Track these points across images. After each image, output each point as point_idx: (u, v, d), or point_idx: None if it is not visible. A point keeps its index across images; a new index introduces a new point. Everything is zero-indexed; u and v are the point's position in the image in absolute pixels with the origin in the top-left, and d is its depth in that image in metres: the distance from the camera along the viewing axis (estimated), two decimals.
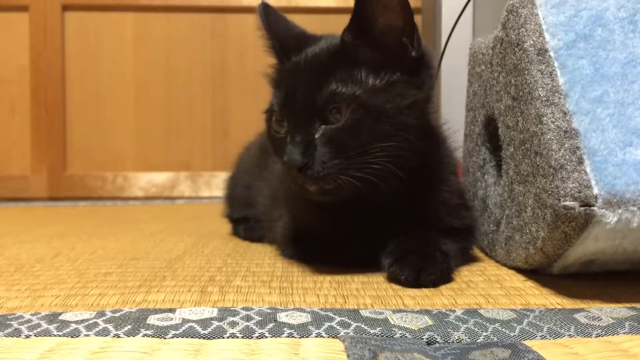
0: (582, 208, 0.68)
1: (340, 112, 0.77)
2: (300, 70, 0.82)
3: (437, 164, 0.90)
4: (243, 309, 0.64)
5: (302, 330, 0.58)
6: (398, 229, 0.83)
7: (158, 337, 0.56)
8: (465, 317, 0.62)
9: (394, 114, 0.78)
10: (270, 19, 0.89)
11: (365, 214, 0.85)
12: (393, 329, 0.58)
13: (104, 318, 0.61)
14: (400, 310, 0.65)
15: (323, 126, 0.78)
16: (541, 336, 0.58)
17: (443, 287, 0.77)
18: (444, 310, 0.64)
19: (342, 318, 0.61)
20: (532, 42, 0.78)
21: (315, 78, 0.79)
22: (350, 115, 0.77)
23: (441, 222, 0.87)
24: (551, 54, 0.76)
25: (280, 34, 0.88)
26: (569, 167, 0.69)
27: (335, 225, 0.87)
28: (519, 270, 0.86)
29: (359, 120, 0.77)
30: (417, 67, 0.82)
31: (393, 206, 0.84)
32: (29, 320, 0.61)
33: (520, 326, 0.60)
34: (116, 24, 2.51)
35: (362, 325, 0.59)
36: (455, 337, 0.57)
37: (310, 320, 0.60)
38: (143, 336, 0.56)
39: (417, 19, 2.17)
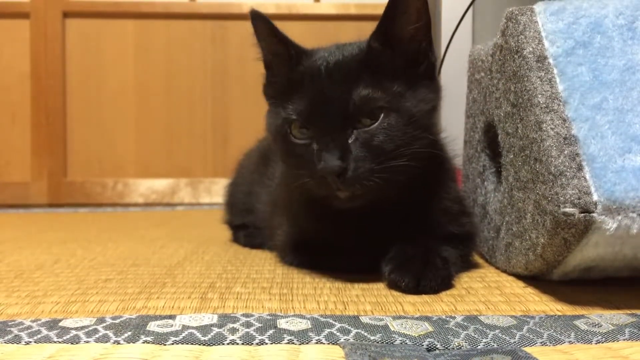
0: (582, 214, 0.68)
1: (373, 116, 0.78)
2: (323, 76, 0.81)
3: (438, 170, 0.90)
4: (243, 315, 0.64)
5: (302, 337, 0.58)
6: (398, 235, 0.84)
7: (158, 343, 0.56)
8: (466, 323, 0.62)
9: (420, 118, 0.80)
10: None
11: (366, 221, 0.85)
12: (393, 335, 0.58)
13: (104, 324, 0.61)
14: (400, 317, 0.65)
15: (356, 131, 0.78)
16: (541, 343, 0.57)
17: (443, 294, 0.77)
18: (444, 317, 0.64)
19: (342, 324, 0.61)
20: (531, 49, 0.78)
21: (344, 84, 0.79)
22: (383, 120, 0.77)
23: (441, 229, 0.87)
24: (550, 61, 0.77)
25: (289, 40, 0.86)
26: (568, 174, 0.69)
27: (337, 232, 0.87)
28: (519, 276, 0.86)
29: (390, 125, 0.77)
30: (432, 72, 0.84)
31: (394, 213, 0.85)
32: (29, 327, 0.61)
33: (521, 333, 0.60)
34: (117, 31, 2.52)
35: (362, 332, 0.59)
36: (455, 343, 0.57)
37: (310, 326, 0.60)
38: (143, 343, 0.56)
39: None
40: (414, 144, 0.78)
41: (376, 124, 0.77)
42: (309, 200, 0.87)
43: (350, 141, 0.77)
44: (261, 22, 0.86)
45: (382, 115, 0.78)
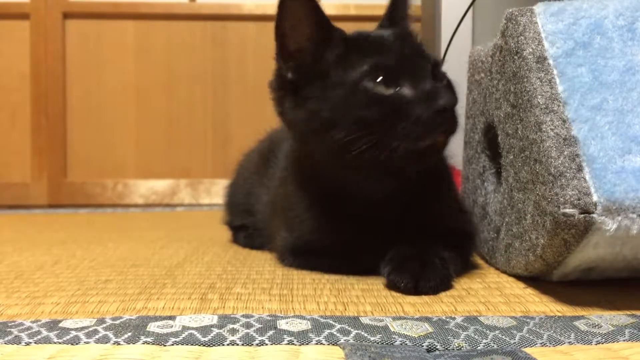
0: (582, 215, 0.68)
1: (442, 78, 0.83)
2: (395, 42, 0.83)
3: (436, 168, 0.91)
4: (243, 316, 0.64)
5: (302, 338, 0.58)
6: (397, 236, 0.84)
7: (158, 344, 0.56)
8: (465, 324, 0.62)
9: None
10: None
11: (366, 222, 0.85)
12: (393, 336, 0.58)
13: (104, 325, 0.61)
14: (400, 318, 0.65)
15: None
16: (541, 343, 0.58)
17: (443, 294, 0.77)
18: (444, 318, 0.64)
19: (342, 325, 0.61)
20: (531, 50, 0.78)
21: (417, 47, 0.84)
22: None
23: (440, 227, 0.87)
24: (550, 61, 0.77)
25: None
26: (568, 175, 0.69)
27: (337, 234, 0.88)
28: (518, 277, 0.86)
29: (449, 85, 0.83)
30: None
31: (395, 213, 0.85)
32: (29, 328, 0.61)
33: (520, 333, 0.60)
34: (117, 32, 2.52)
35: (362, 333, 0.59)
36: (455, 344, 0.57)
37: (310, 327, 0.60)
38: (143, 343, 0.56)
39: (417, 27, 2.18)
40: None
41: (445, 81, 0.83)
42: (320, 198, 0.88)
43: (443, 84, 0.81)
44: (302, 3, 0.82)
45: (445, 79, 0.83)
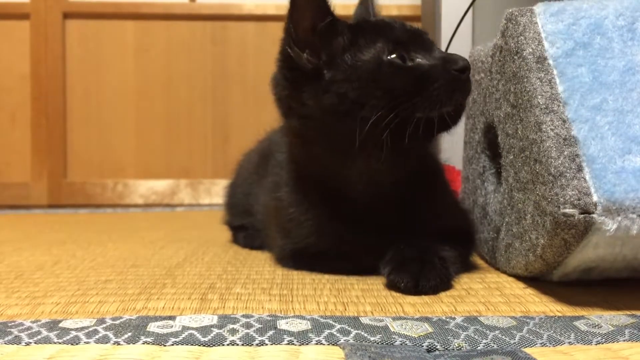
0: (582, 215, 0.68)
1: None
2: (393, 23, 0.86)
3: (430, 166, 0.91)
4: (243, 316, 0.64)
5: (302, 338, 0.58)
6: (396, 235, 0.84)
7: (158, 344, 0.56)
8: (465, 324, 0.62)
9: None
10: None
11: (365, 222, 0.85)
12: (393, 336, 0.58)
13: (104, 325, 0.61)
14: (400, 318, 0.65)
15: None
16: (541, 344, 0.58)
17: (443, 295, 0.77)
18: (444, 318, 0.64)
19: (342, 325, 0.61)
20: (531, 50, 0.78)
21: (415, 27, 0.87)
22: None
23: (439, 226, 0.87)
24: (550, 61, 0.77)
25: None
26: (568, 175, 0.69)
27: (336, 236, 0.87)
28: (518, 277, 0.86)
29: None
30: None
31: (393, 211, 0.85)
32: (29, 328, 0.61)
33: (520, 334, 0.60)
34: (117, 32, 2.52)
35: (362, 333, 0.59)
36: (455, 344, 0.57)
37: (310, 327, 0.60)
38: (143, 344, 0.56)
39: (417, 26, 2.18)
40: None
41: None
42: (318, 200, 0.88)
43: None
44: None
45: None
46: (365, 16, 0.96)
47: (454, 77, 0.79)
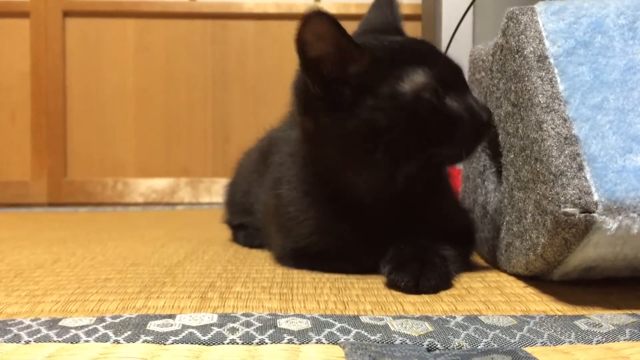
0: (583, 214, 0.68)
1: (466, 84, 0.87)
2: (426, 51, 0.86)
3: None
4: (243, 315, 0.64)
5: (302, 337, 0.58)
6: (397, 234, 0.84)
7: (158, 343, 0.56)
8: (466, 323, 0.62)
9: None
10: None
11: (366, 221, 0.85)
12: (393, 335, 0.58)
13: (104, 324, 0.61)
14: (400, 317, 0.64)
15: None
16: (542, 343, 0.57)
17: (443, 294, 0.76)
18: (444, 317, 0.64)
19: (343, 324, 0.61)
20: (532, 48, 0.78)
21: (446, 57, 0.87)
22: None
23: (440, 225, 0.87)
24: (551, 60, 0.77)
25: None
26: (569, 174, 0.69)
27: (337, 234, 0.87)
28: (519, 276, 0.86)
29: None
30: None
31: (395, 210, 0.85)
32: (28, 326, 0.61)
33: (521, 333, 0.60)
34: (117, 30, 2.52)
35: (363, 332, 0.59)
36: (456, 343, 0.57)
37: (310, 326, 0.60)
38: (143, 342, 0.56)
39: (417, 25, 2.18)
40: None
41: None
42: (322, 199, 0.88)
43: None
44: (327, 22, 0.79)
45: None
46: (383, 20, 0.94)
47: (479, 128, 0.82)
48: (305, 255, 0.91)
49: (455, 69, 0.85)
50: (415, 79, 0.80)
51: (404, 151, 0.80)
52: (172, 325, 0.61)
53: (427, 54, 0.85)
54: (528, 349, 0.55)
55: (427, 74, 0.80)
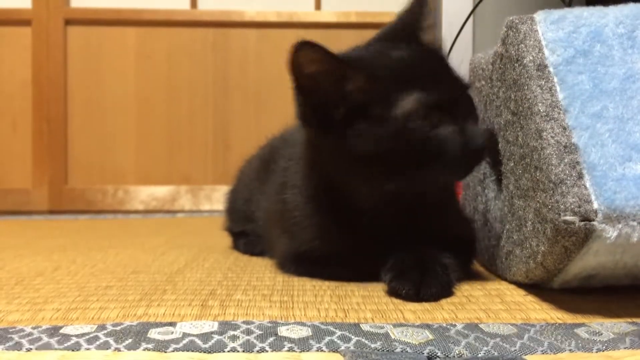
0: (582, 223, 0.68)
1: (469, 102, 0.85)
2: (425, 68, 0.83)
3: None
4: (244, 322, 0.64)
5: (302, 344, 0.58)
6: (399, 242, 0.84)
7: (159, 350, 0.56)
8: (466, 331, 0.62)
9: None
10: None
11: (369, 229, 0.85)
12: (394, 343, 0.58)
13: (105, 332, 0.61)
14: (401, 325, 0.65)
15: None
16: (542, 351, 0.57)
17: (444, 302, 0.77)
18: (444, 325, 0.64)
19: (343, 332, 0.61)
20: (531, 57, 0.78)
21: (451, 75, 0.84)
22: None
23: (441, 234, 0.87)
24: (550, 69, 0.77)
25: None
26: (568, 182, 0.70)
27: (340, 241, 0.88)
28: (519, 284, 0.86)
29: None
30: None
31: (399, 219, 0.85)
32: (29, 334, 0.61)
33: (521, 341, 0.60)
34: (118, 38, 2.53)
35: (363, 340, 0.59)
36: (456, 351, 0.57)
37: (311, 334, 0.61)
38: (144, 350, 0.56)
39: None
40: None
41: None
42: (326, 206, 0.88)
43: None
44: (316, 50, 0.78)
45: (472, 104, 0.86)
46: (407, 22, 0.90)
47: (471, 154, 0.81)
48: (307, 260, 0.91)
49: (459, 88, 0.83)
50: (408, 104, 0.78)
51: (394, 174, 0.80)
52: (172, 333, 0.61)
53: (430, 73, 0.82)
54: (528, 357, 0.55)
55: (421, 99, 0.78)
